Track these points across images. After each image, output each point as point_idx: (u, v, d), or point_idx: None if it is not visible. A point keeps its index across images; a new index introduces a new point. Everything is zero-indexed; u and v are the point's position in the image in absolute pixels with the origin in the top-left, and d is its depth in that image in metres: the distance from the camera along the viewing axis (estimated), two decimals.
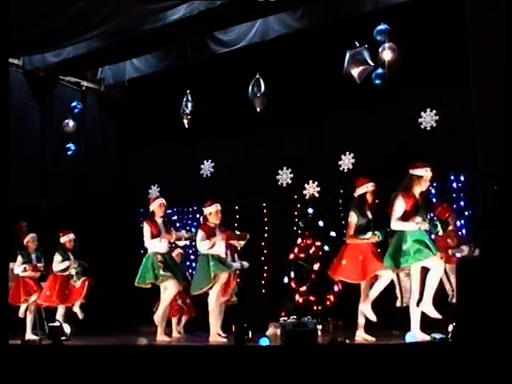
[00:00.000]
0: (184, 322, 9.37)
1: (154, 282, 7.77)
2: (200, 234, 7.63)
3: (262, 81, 9.63)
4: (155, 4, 8.68)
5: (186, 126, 10.42)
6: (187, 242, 8.50)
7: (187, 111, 10.26)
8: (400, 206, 6.21)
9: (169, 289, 7.79)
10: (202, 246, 7.57)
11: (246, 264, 8.61)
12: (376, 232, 6.65)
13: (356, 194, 6.92)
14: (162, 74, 11.25)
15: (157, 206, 8.02)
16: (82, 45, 10.24)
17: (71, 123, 11.36)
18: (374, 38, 8.86)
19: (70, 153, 11.44)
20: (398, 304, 7.64)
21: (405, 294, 7.42)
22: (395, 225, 6.24)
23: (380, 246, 6.83)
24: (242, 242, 8.06)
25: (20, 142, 10.32)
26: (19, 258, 9.05)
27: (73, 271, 8.83)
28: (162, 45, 10.75)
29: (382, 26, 8.83)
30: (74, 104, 11.54)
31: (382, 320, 6.72)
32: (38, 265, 9.09)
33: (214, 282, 7.42)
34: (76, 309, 8.86)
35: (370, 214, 6.84)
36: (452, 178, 9.28)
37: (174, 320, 9.14)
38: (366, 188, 6.87)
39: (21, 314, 9.05)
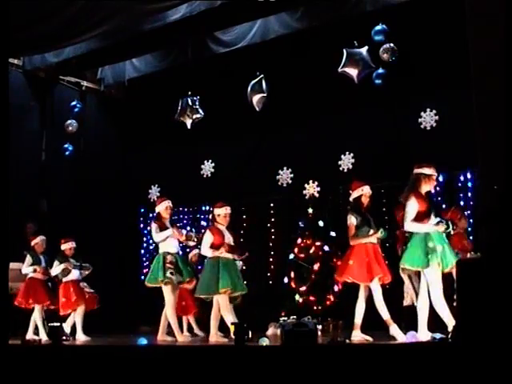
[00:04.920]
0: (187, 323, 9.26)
1: (163, 282, 7.69)
2: (209, 238, 7.48)
3: (263, 81, 9.62)
4: (155, 4, 8.66)
5: (189, 126, 10.41)
6: (195, 243, 8.24)
7: (191, 112, 10.25)
8: (413, 206, 6.08)
9: (166, 296, 7.71)
10: (208, 252, 7.47)
11: (239, 263, 8.28)
12: (380, 228, 6.64)
13: (351, 198, 6.91)
14: (161, 73, 11.24)
15: (163, 208, 7.94)
16: (81, 45, 10.23)
17: (74, 124, 11.36)
18: (372, 38, 8.87)
19: (67, 153, 11.42)
20: (409, 303, 7.62)
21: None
22: (410, 226, 6.11)
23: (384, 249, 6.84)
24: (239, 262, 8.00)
25: (20, 142, 10.30)
26: (28, 259, 8.95)
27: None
28: (161, 45, 10.75)
29: (379, 26, 8.84)
30: (73, 103, 11.54)
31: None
32: (50, 269, 8.94)
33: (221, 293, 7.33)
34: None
35: (368, 215, 6.83)
36: (452, 177, 9.28)
37: (190, 319, 9.10)
38: (360, 191, 6.86)
39: (36, 317, 8.93)
